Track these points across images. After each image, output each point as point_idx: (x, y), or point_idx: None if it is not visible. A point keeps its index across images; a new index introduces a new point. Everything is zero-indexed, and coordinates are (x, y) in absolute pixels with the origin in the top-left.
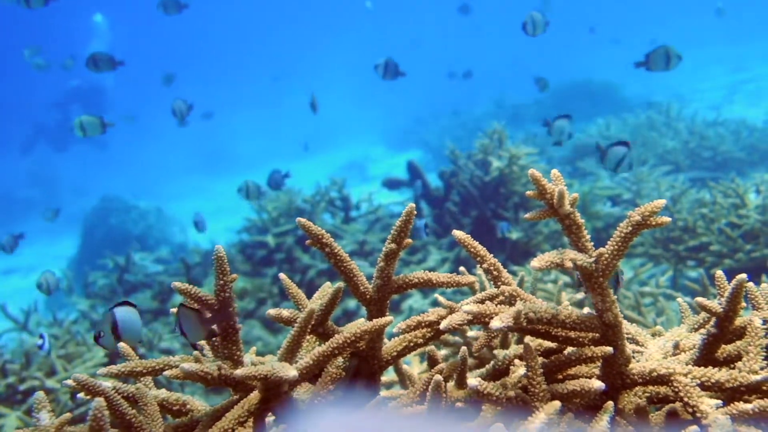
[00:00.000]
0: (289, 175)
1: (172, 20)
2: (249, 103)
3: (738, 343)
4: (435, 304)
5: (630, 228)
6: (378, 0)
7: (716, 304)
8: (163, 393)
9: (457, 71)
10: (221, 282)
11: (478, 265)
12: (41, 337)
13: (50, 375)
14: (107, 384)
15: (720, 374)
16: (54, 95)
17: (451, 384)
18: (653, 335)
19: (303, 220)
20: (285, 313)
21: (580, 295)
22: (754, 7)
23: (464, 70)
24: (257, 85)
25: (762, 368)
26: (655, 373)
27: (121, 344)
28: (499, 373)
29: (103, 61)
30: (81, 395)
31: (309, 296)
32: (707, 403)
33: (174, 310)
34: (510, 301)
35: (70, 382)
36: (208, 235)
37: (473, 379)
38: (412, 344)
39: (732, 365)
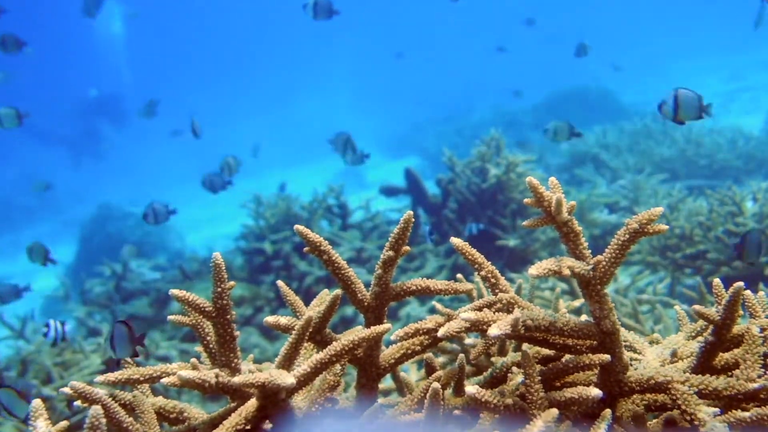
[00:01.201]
0: (232, 183)
1: (180, 25)
2: (247, 111)
3: (735, 351)
4: (433, 311)
5: (627, 236)
6: (374, 7)
7: (714, 312)
8: (160, 400)
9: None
10: (219, 289)
11: (476, 273)
12: (47, 325)
13: (47, 383)
14: (104, 392)
15: (718, 382)
16: (73, 106)
17: (448, 391)
18: (651, 343)
19: (300, 227)
20: (283, 320)
21: (578, 303)
22: (749, 15)
23: (498, 46)
24: (256, 93)
25: (760, 376)
26: (652, 381)
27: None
28: (497, 380)
29: (9, 43)
30: (78, 403)
31: (306, 303)
32: (705, 411)
33: (172, 318)
34: (508, 308)
35: (66, 389)
36: (206, 242)
37: (471, 387)
38: (409, 352)
39: (729, 373)
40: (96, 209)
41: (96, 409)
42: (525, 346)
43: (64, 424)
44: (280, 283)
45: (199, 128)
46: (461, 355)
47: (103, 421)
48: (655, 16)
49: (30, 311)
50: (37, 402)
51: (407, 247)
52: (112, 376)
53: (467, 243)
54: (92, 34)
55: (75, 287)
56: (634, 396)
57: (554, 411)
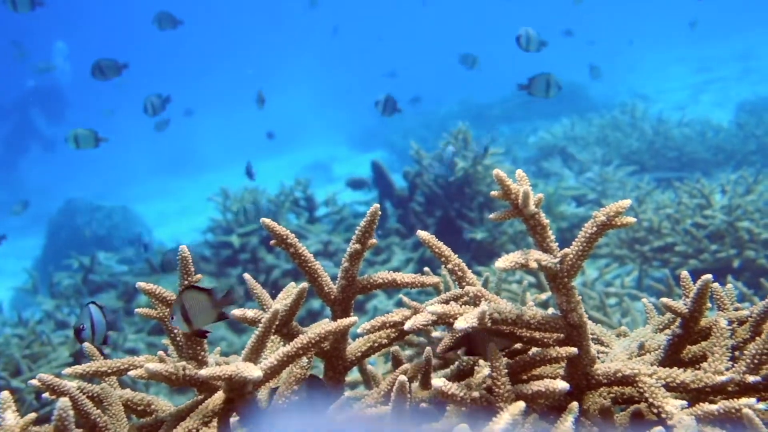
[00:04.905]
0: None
1: (135, 40)
2: (213, 104)
3: (703, 343)
4: (399, 304)
5: (595, 228)
6: (343, 2)
7: (681, 305)
8: (127, 393)
9: (394, 71)
10: (186, 282)
11: (443, 266)
12: None
13: (15, 375)
14: (72, 384)
15: (685, 375)
16: (11, 97)
17: (415, 384)
18: (618, 336)
19: (267, 220)
20: (249, 313)
21: (545, 296)
22: (717, 7)
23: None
24: (221, 86)
25: (727, 369)
26: (620, 374)
27: (86, 344)
28: (464, 373)
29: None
30: (46, 395)
31: (273, 296)
32: (672, 404)
33: (139, 311)
34: (474, 301)
35: (35, 382)
36: (174, 236)
37: (438, 380)
38: (376, 345)
39: (697, 366)
40: (63, 203)
41: (64, 401)
42: None
43: (32, 416)
44: (247, 276)
45: (154, 104)
46: (428, 348)
47: (71, 413)
48: (621, 7)
49: None
50: (5, 394)
51: (374, 240)
52: (80, 368)
53: (434, 236)
54: (39, 51)
55: (43, 280)
56: (602, 389)
57: (521, 404)
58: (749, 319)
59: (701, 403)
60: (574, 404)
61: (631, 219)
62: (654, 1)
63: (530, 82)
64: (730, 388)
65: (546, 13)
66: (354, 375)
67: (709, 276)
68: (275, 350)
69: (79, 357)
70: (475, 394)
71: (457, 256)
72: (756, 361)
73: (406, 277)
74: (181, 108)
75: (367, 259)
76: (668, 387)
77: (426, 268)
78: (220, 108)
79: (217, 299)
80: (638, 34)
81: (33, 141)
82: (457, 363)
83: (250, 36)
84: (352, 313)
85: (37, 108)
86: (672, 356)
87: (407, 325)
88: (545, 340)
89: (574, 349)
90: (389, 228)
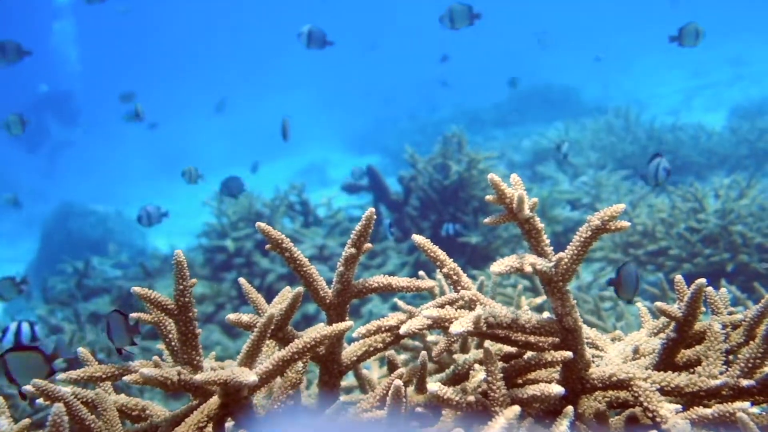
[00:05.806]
0: (246, 186)
1: (138, 20)
2: (209, 107)
3: (697, 347)
4: (395, 308)
5: (589, 232)
6: (338, 5)
7: (676, 309)
8: (122, 398)
9: (446, 79)
10: (181, 287)
11: (438, 270)
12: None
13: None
14: (66, 389)
15: (679, 379)
16: (23, 100)
17: (411, 389)
18: (613, 340)
19: (262, 224)
20: (244, 317)
21: (540, 300)
22: (710, 12)
23: (442, 55)
24: (217, 88)
25: (721, 373)
26: (614, 378)
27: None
28: (459, 377)
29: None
30: (40, 401)
31: (268, 301)
32: (667, 408)
33: (134, 315)
34: (470, 305)
35: (29, 387)
36: (168, 240)
37: (433, 384)
38: (372, 349)
39: (691, 370)
40: (57, 206)
41: (58, 407)
42: (487, 343)
43: (26, 421)
44: (242, 280)
45: (139, 110)
46: (423, 352)
47: (66, 419)
48: (617, 11)
49: None
50: None
51: (369, 244)
52: (74, 374)
53: (429, 240)
54: (45, 31)
55: (37, 285)
56: (597, 393)
57: (516, 408)
58: (743, 323)
59: (696, 407)
60: (570, 408)
61: (626, 223)
62: (647, 5)
63: (680, 32)
64: (724, 392)
65: (544, 15)
66: (349, 379)
67: (702, 280)
68: (271, 355)
69: (73, 362)
70: (471, 398)
71: (452, 260)
72: (750, 365)
73: (401, 281)
74: (148, 119)
75: (363, 263)
76: (663, 391)
77: (421, 272)
78: (214, 111)
79: (46, 355)
80: (634, 37)
81: (44, 145)
82: (452, 367)
83: (249, 37)
84: (347, 318)
85: (50, 113)
86: (666, 360)
87: (402, 330)
88: (540, 344)
89: (569, 353)
90: (383, 230)
